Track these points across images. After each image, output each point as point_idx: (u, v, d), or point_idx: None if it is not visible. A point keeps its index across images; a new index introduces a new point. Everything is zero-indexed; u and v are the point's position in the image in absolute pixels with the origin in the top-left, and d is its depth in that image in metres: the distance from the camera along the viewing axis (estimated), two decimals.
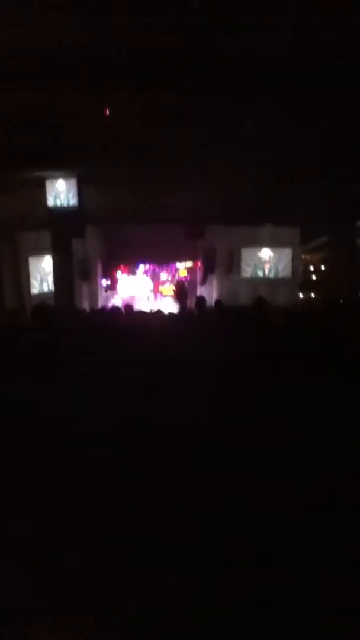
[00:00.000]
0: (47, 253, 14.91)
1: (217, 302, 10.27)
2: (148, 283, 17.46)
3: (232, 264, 15.79)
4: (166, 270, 17.42)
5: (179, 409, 2.87)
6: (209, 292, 15.17)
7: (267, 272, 15.86)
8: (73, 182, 12.85)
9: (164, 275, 17.50)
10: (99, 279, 16.82)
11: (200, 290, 15.48)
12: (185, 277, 17.35)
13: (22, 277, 15.46)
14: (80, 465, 2.46)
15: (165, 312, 9.90)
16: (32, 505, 2.23)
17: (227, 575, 1.88)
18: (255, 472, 2.42)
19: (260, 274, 15.86)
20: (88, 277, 15.83)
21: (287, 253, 15.83)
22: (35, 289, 15.59)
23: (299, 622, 1.71)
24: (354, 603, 1.76)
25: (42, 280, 15.75)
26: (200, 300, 9.28)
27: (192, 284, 16.96)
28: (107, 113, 9.45)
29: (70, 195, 12.95)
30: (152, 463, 2.47)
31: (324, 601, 1.78)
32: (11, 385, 3.13)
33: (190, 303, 13.50)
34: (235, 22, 7.06)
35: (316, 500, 2.23)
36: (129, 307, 9.63)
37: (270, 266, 15.80)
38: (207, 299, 10.24)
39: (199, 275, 16.67)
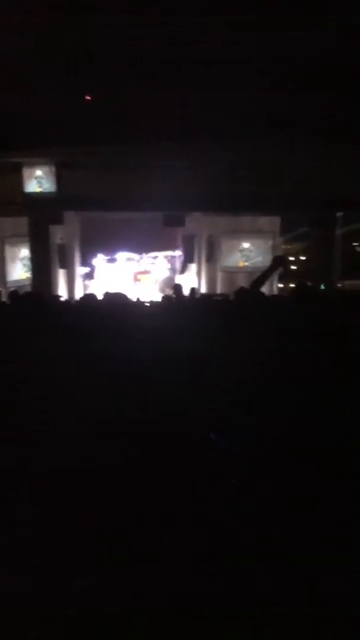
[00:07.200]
0: (24, 240, 14.68)
1: (192, 289, 10.27)
2: (127, 271, 17.25)
3: (212, 254, 15.78)
4: (146, 258, 17.24)
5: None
6: (189, 281, 15.11)
7: (247, 262, 15.85)
8: (51, 168, 12.61)
9: (143, 264, 17.29)
10: (77, 267, 16.61)
11: (180, 280, 15.40)
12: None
13: None
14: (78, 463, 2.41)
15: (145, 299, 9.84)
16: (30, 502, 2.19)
17: (227, 575, 1.87)
18: (255, 470, 2.38)
19: (240, 264, 15.85)
20: (66, 264, 15.65)
21: (267, 243, 15.85)
22: (11, 276, 15.39)
23: (299, 622, 1.72)
24: (354, 603, 1.77)
25: (19, 267, 15.55)
26: (177, 287, 9.24)
27: (172, 272, 16.86)
28: (88, 98, 9.30)
29: (49, 181, 12.71)
30: (152, 465, 2.41)
31: (324, 601, 1.79)
32: None
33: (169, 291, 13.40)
34: None
35: (316, 500, 2.22)
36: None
37: (251, 256, 15.80)
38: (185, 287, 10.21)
39: (178, 264, 16.59)
